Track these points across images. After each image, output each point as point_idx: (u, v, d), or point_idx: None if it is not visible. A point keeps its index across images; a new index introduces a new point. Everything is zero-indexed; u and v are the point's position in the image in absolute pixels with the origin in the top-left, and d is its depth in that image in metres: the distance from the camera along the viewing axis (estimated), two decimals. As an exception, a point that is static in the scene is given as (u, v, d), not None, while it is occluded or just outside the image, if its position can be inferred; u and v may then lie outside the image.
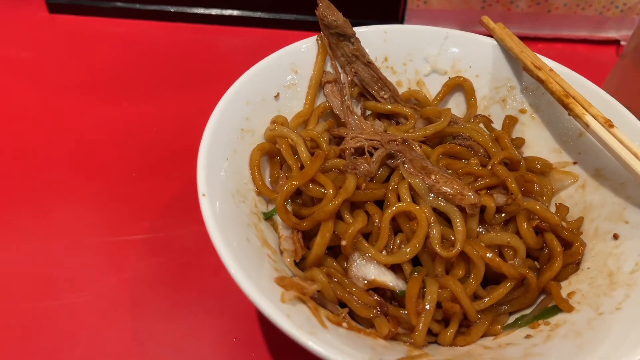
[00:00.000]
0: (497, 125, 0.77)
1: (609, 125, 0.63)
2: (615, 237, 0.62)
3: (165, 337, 0.67)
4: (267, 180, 0.68)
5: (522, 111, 0.77)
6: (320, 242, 0.59)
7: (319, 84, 0.74)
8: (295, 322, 0.47)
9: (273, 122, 0.69)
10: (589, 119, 0.65)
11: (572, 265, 0.64)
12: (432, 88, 0.80)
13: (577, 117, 0.66)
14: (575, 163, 0.71)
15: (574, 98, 0.67)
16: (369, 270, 0.58)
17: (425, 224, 0.59)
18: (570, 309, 0.58)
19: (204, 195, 0.55)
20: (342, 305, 0.59)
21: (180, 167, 0.85)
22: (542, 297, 0.63)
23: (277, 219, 0.63)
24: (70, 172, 0.84)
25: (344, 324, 0.54)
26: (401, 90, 0.79)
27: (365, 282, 0.58)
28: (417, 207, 0.59)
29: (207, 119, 0.62)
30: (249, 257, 0.54)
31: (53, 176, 0.83)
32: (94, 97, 0.97)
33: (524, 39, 0.83)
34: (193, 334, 0.67)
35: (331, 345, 0.46)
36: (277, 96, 0.71)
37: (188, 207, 0.79)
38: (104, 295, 0.70)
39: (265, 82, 0.70)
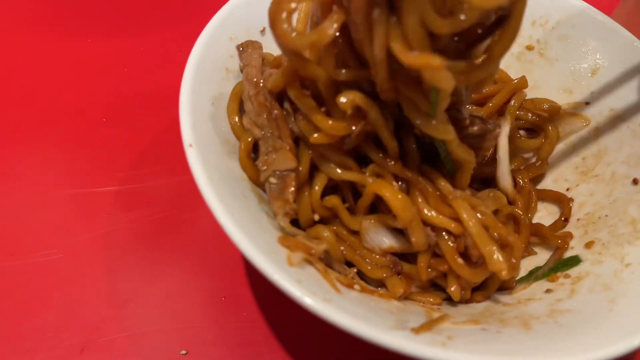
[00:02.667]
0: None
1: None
2: (636, 182, 0.58)
3: (146, 298, 0.61)
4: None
5: (529, 48, 0.71)
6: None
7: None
8: (308, 288, 0.41)
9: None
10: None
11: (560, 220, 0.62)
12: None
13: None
14: (587, 104, 0.66)
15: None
16: (383, 237, 0.53)
17: None
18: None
19: (190, 145, 0.47)
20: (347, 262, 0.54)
21: (157, 111, 0.77)
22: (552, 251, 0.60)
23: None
24: (31, 118, 0.75)
25: (356, 286, 0.49)
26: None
27: (381, 248, 0.53)
28: None
29: (186, 56, 0.54)
30: (248, 216, 0.47)
31: (11, 123, 0.75)
32: (54, 31, 0.86)
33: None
34: (178, 293, 0.61)
35: (351, 313, 0.40)
36: (263, 31, 0.63)
37: (166, 156, 0.73)
38: (76, 254, 0.63)
39: (250, 14, 0.61)
